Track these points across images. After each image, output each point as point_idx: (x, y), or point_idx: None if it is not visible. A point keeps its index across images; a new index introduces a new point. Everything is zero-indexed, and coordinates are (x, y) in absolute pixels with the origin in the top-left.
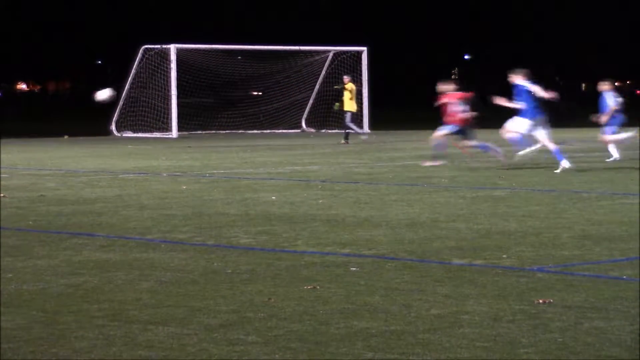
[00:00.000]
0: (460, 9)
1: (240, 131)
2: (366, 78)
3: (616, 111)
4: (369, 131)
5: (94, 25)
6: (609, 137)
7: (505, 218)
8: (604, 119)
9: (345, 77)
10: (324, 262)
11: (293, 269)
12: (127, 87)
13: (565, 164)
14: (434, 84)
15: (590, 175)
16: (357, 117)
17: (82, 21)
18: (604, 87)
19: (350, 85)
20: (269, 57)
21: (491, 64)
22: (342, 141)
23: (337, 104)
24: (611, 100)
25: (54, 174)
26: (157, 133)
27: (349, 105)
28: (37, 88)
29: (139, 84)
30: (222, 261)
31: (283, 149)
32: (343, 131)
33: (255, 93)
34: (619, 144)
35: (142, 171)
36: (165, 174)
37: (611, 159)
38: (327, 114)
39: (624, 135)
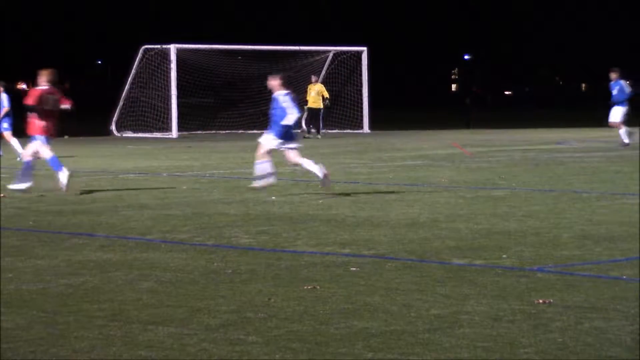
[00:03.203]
0: (460, 8)
1: (240, 131)
2: (366, 78)
3: None
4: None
5: (94, 25)
6: None
7: (505, 218)
8: None
9: (313, 76)
10: (324, 262)
11: (293, 269)
12: (127, 87)
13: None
14: (434, 84)
15: (590, 175)
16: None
17: (82, 21)
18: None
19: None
20: (269, 57)
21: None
22: (318, 135)
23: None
24: None
25: (54, 174)
26: (157, 133)
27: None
28: None
29: (139, 84)
30: (222, 261)
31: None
32: (308, 127)
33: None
34: None
35: (142, 171)
36: (165, 174)
37: None
38: (327, 114)
39: None
